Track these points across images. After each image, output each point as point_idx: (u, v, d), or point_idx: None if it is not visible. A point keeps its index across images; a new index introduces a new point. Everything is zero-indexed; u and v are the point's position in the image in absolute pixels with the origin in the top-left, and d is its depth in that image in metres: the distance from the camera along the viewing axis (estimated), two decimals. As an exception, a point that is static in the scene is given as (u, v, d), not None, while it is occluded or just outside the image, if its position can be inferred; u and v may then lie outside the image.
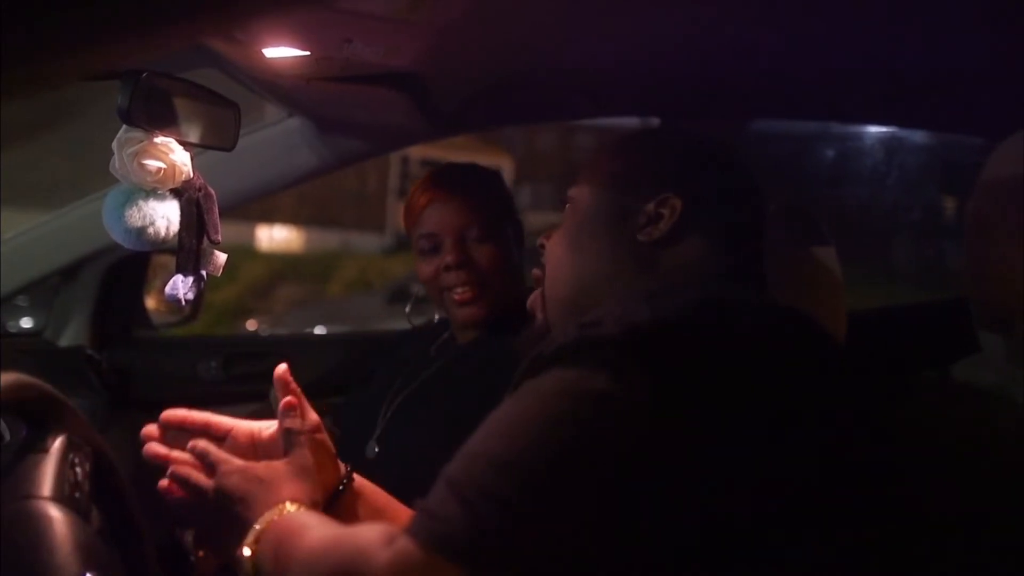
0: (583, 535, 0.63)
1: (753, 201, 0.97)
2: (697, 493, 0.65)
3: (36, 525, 0.73)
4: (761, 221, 0.97)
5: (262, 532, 0.80)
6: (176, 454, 0.91)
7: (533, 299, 1.00)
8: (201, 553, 0.96)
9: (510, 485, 0.63)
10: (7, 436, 0.91)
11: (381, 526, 0.70)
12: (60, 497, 0.77)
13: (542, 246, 1.02)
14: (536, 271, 1.02)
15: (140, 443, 0.94)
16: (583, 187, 0.98)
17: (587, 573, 0.63)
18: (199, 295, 0.98)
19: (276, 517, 0.82)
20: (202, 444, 0.91)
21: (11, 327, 1.88)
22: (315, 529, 0.77)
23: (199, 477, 0.89)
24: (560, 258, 0.95)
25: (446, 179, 1.47)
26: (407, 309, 1.63)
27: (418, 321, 1.69)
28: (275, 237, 15.96)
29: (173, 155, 0.90)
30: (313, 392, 1.00)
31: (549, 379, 0.69)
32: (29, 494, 0.75)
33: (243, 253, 12.60)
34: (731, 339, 0.72)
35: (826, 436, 0.71)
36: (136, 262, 1.75)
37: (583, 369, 0.68)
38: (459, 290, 1.40)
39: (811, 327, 0.80)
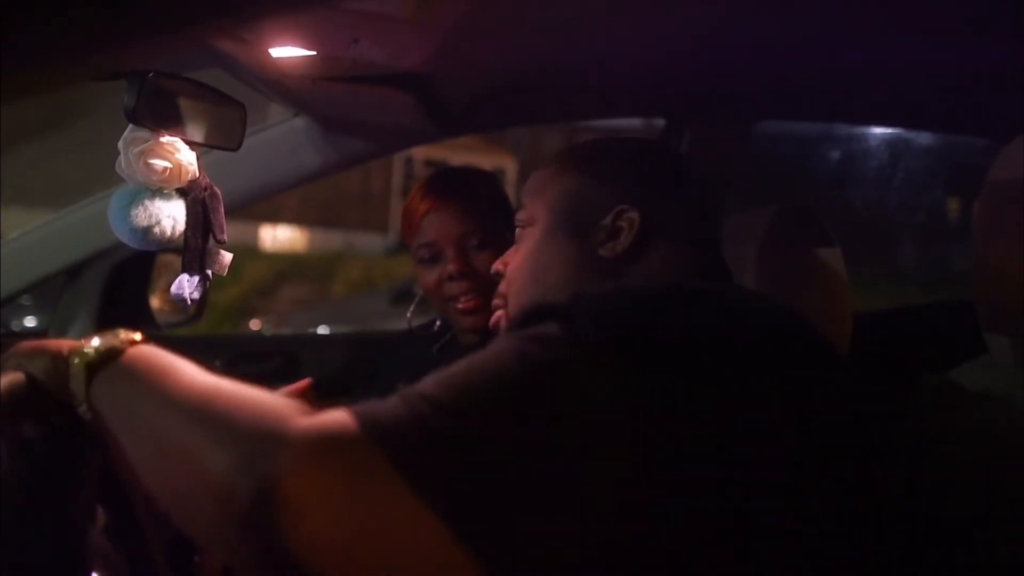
0: (508, 464, 0.59)
1: (707, 206, 0.97)
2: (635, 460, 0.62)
3: (41, 524, 0.73)
4: (717, 227, 0.97)
5: (110, 349, 0.72)
6: None
7: (496, 320, 0.99)
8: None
9: (450, 394, 0.61)
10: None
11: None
12: (65, 496, 0.77)
13: (498, 273, 1.01)
14: (496, 300, 1.00)
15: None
16: (534, 209, 0.96)
17: (501, 504, 0.59)
18: (204, 295, 0.97)
19: (128, 342, 0.73)
20: None
21: (15, 326, 1.88)
22: (199, 373, 0.69)
23: None
24: (524, 283, 0.94)
25: (443, 186, 1.45)
26: (408, 313, 1.63)
27: (419, 323, 1.69)
28: (279, 237, 15.99)
29: (179, 155, 0.90)
30: (317, 392, 1.00)
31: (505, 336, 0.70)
32: (34, 493, 0.76)
33: (247, 253, 12.64)
34: (691, 314, 0.70)
35: (805, 430, 0.68)
36: (141, 261, 1.75)
37: (540, 323, 0.67)
38: (463, 299, 1.39)
39: (787, 313, 0.77)
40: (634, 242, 0.91)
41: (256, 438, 0.60)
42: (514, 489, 0.59)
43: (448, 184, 1.45)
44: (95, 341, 0.72)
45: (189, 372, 0.68)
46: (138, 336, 0.74)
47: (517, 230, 0.99)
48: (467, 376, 0.63)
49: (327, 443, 0.59)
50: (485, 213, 1.43)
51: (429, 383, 0.64)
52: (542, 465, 0.59)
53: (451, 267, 1.39)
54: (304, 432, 0.60)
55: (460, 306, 1.39)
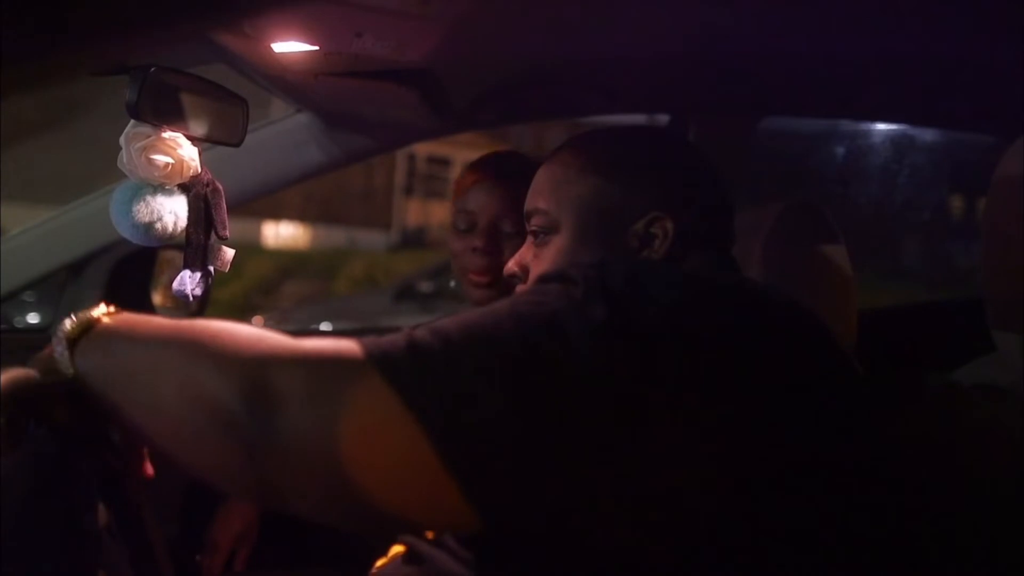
0: (491, 395, 0.60)
1: (726, 201, 0.97)
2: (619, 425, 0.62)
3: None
4: (731, 218, 0.97)
5: (87, 319, 0.74)
6: None
7: None
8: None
9: (447, 326, 0.64)
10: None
11: None
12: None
13: (513, 275, 1.00)
14: None
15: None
16: (557, 213, 0.94)
17: (483, 430, 0.60)
18: (206, 291, 0.97)
19: (104, 313, 0.75)
20: None
21: (18, 323, 1.88)
22: (185, 321, 0.69)
23: None
24: None
25: (501, 165, 1.46)
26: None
27: (426, 319, 1.69)
28: (281, 234, 16.00)
29: (181, 150, 0.89)
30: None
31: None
32: (36, 491, 0.75)
33: (249, 250, 12.65)
34: (683, 289, 0.69)
35: (804, 423, 0.67)
36: (143, 258, 1.75)
37: (544, 283, 0.69)
38: (478, 273, 1.41)
39: (791, 305, 0.75)
40: (668, 249, 0.90)
41: (255, 360, 0.62)
42: (497, 419, 0.60)
43: (507, 166, 1.47)
44: (67, 321, 0.74)
45: (169, 320, 0.70)
46: (112, 309, 0.75)
47: (538, 235, 0.96)
48: (468, 315, 0.66)
49: (326, 359, 0.62)
50: None
51: (434, 322, 0.66)
52: (523, 400, 0.60)
53: (478, 241, 1.41)
54: (305, 352, 0.62)
55: (473, 277, 1.42)
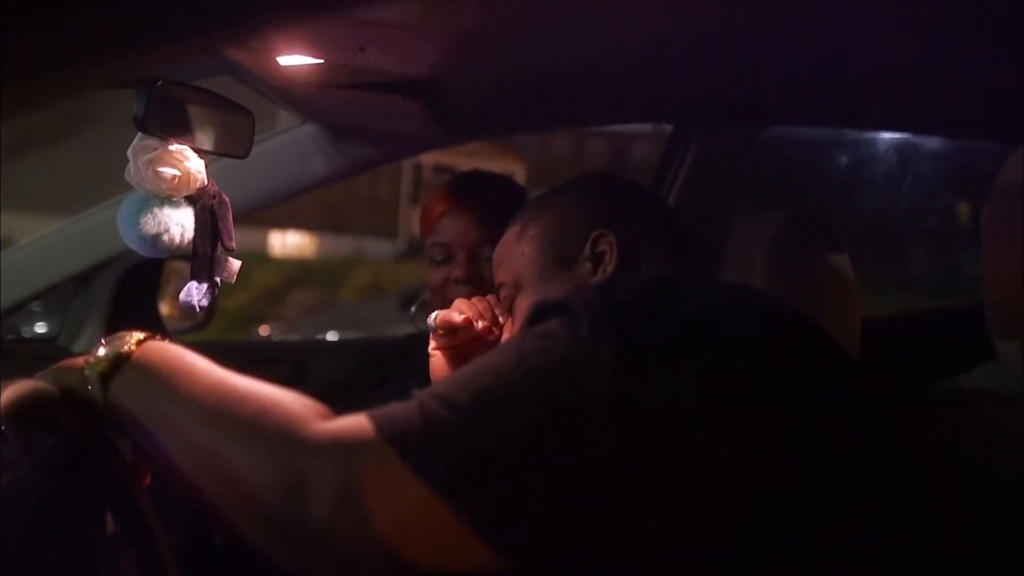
0: (513, 457, 0.61)
1: (669, 218, 1.01)
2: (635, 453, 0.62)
3: (51, 531, 0.74)
4: (681, 236, 1.00)
5: (118, 354, 0.72)
6: None
7: None
8: None
9: (459, 393, 0.64)
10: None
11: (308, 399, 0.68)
12: (75, 503, 0.77)
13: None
14: None
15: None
16: (515, 273, 1.00)
17: (510, 495, 0.61)
18: (213, 302, 0.98)
19: (135, 342, 0.74)
20: None
21: (25, 332, 1.88)
22: (217, 371, 0.71)
23: None
24: None
25: (466, 190, 1.44)
26: (412, 310, 1.63)
27: (422, 321, 1.69)
28: (288, 243, 16.03)
29: (188, 162, 0.90)
30: (325, 399, 1.00)
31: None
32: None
33: (256, 259, 12.68)
34: (686, 304, 0.69)
35: (806, 428, 0.68)
36: (150, 268, 1.76)
37: (543, 320, 0.69)
38: None
39: (785, 308, 0.76)
40: (620, 261, 0.93)
41: (279, 444, 0.64)
42: (520, 480, 0.61)
43: (472, 188, 1.44)
44: (101, 350, 0.73)
45: (203, 370, 0.71)
46: (143, 335, 0.75)
47: (508, 304, 1.01)
48: (474, 375, 0.66)
49: (346, 446, 0.63)
50: (503, 224, 1.40)
51: (442, 384, 0.66)
52: (544, 456, 0.61)
53: (459, 272, 1.38)
54: (324, 436, 0.63)
55: None
